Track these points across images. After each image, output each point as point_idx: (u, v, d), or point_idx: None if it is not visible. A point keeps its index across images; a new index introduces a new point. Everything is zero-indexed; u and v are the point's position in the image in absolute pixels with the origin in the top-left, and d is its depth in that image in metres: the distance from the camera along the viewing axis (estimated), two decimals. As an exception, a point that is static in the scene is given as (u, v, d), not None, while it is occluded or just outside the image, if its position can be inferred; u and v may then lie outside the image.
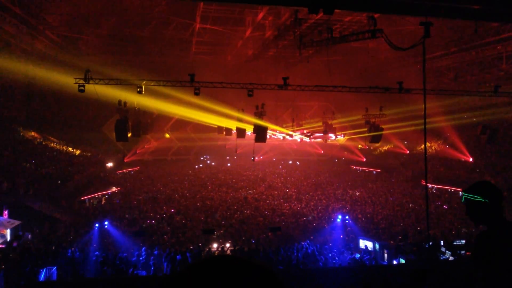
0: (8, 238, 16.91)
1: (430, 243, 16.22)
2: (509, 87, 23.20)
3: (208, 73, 24.87)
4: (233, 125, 31.13)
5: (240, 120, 27.89)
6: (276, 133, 37.64)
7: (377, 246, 16.97)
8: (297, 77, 22.49)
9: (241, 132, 29.14)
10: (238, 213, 24.07)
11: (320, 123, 35.88)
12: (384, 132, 26.58)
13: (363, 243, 17.85)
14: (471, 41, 22.29)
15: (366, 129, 27.54)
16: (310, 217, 23.71)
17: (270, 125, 32.10)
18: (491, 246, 2.51)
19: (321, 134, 35.91)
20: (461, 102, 28.59)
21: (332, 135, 35.98)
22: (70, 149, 33.14)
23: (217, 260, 1.04)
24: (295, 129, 36.10)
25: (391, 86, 21.10)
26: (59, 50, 24.20)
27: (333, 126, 34.92)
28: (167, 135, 44.66)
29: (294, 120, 37.31)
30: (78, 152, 33.66)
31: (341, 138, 39.79)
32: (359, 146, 44.07)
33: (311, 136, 37.24)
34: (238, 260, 1.04)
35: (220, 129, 36.35)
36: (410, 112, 28.65)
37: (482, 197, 2.56)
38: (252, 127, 24.60)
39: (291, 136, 37.70)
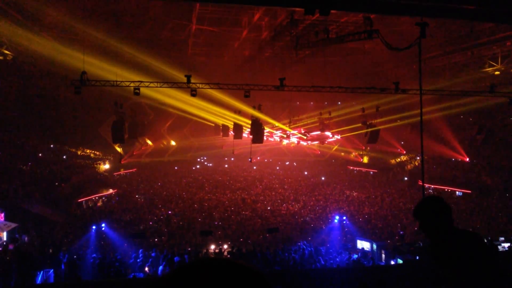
0: (5, 241, 16.83)
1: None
2: (505, 87, 23.31)
3: (205, 74, 24.86)
4: (230, 121, 31.23)
5: (238, 111, 28.16)
6: (274, 131, 37.72)
7: (374, 246, 17.00)
8: (294, 78, 22.53)
9: (238, 132, 29.17)
10: (236, 214, 24.06)
11: (316, 119, 36.06)
12: (379, 127, 26.60)
13: (360, 244, 17.88)
14: (467, 41, 22.36)
15: (360, 124, 27.73)
16: (307, 218, 23.73)
17: (268, 119, 32.36)
18: (443, 255, 2.59)
19: (318, 133, 36.06)
20: (457, 102, 28.58)
21: (328, 133, 36.11)
22: (66, 151, 33.04)
23: (205, 263, 1.04)
24: (293, 126, 36.21)
25: (388, 86, 21.18)
26: (55, 51, 24.15)
27: (330, 124, 35.12)
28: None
29: (291, 120, 37.38)
30: (74, 154, 33.57)
31: (337, 138, 39.88)
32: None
33: (308, 135, 37.32)
34: (226, 262, 1.04)
35: (217, 128, 36.33)
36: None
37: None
38: (250, 122, 24.88)
39: (288, 138, 37.76)
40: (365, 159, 42.46)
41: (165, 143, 45.21)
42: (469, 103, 26.09)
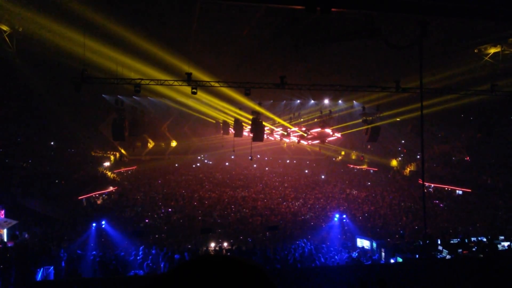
0: (5, 238, 16.86)
1: (427, 241, 16.28)
2: (505, 85, 23.27)
3: (206, 71, 24.84)
4: (231, 117, 31.19)
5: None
6: (274, 128, 37.74)
7: (374, 244, 17.02)
8: (294, 76, 22.51)
9: (238, 130, 29.17)
10: (236, 212, 24.08)
11: (316, 115, 36.08)
12: (380, 123, 26.49)
13: (360, 242, 17.90)
14: (468, 40, 22.30)
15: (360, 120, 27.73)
16: (307, 216, 23.75)
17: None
18: None
19: (319, 130, 36.04)
20: (456, 96, 28.45)
21: (329, 131, 36.10)
22: (66, 148, 33.04)
23: (206, 259, 1.04)
24: (293, 122, 36.21)
25: (389, 84, 21.15)
26: (55, 48, 24.11)
27: (330, 121, 35.10)
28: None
29: (292, 117, 37.39)
30: (74, 151, 33.57)
31: (337, 137, 39.86)
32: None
33: (309, 133, 37.28)
34: (228, 259, 1.04)
35: (217, 125, 36.27)
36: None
37: None
38: (251, 117, 24.96)
39: (288, 136, 37.78)
40: (366, 159, 42.51)
41: (165, 142, 45.15)
42: (469, 95, 25.90)
